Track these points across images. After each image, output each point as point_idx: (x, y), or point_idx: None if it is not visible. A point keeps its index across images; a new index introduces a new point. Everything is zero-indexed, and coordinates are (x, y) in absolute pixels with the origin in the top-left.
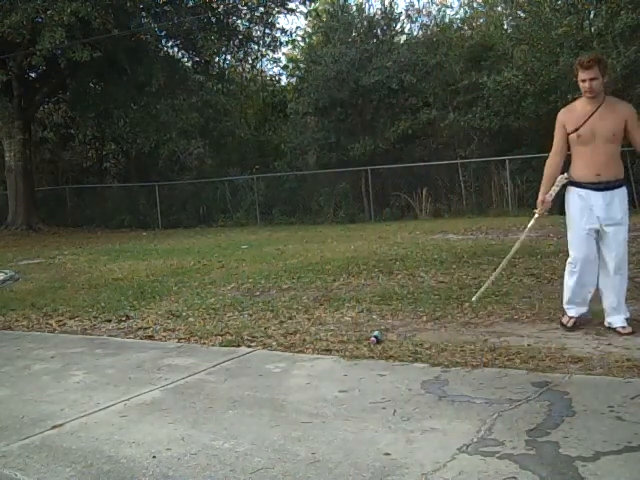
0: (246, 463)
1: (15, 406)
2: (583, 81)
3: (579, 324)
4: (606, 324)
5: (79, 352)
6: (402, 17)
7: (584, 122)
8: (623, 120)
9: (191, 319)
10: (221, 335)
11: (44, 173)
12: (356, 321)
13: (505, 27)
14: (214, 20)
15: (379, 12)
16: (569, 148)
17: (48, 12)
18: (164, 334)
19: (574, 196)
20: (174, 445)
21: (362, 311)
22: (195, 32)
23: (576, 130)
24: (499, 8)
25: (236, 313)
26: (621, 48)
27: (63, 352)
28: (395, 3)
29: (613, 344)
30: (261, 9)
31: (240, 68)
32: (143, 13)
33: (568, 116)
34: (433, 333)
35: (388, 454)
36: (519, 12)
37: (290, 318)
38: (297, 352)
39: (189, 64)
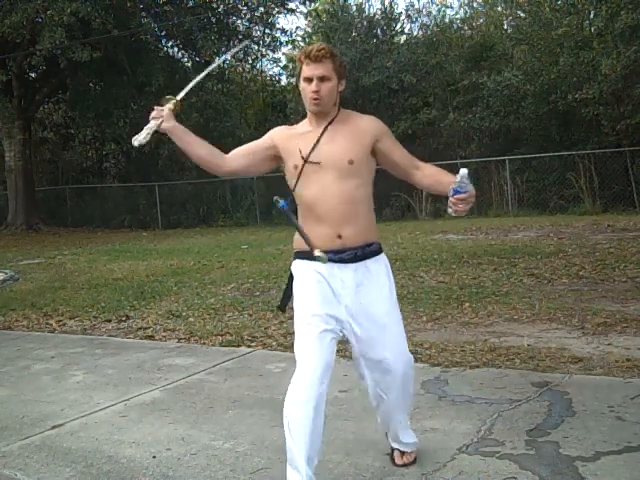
0: (246, 463)
1: (15, 406)
2: (308, 80)
3: None
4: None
5: (79, 352)
6: (402, 17)
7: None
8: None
9: (191, 319)
10: (221, 335)
11: (44, 173)
12: None
13: (505, 27)
14: (214, 20)
15: (379, 12)
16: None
17: (48, 12)
18: (164, 334)
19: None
20: (174, 445)
21: None
22: (195, 32)
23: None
24: (499, 8)
25: (236, 313)
26: (621, 48)
27: (63, 352)
28: (395, 3)
29: (613, 344)
30: (261, 9)
31: (240, 68)
32: (143, 13)
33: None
34: (433, 333)
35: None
36: (519, 12)
37: (290, 318)
38: None
39: (189, 64)
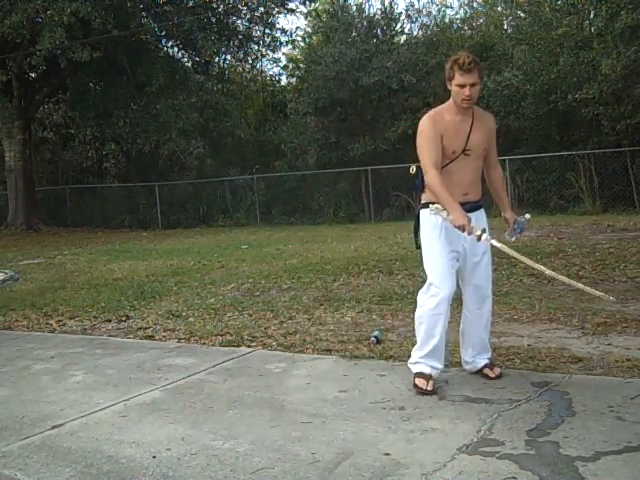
0: (246, 463)
1: (15, 406)
2: (461, 86)
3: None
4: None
5: (79, 352)
6: (402, 17)
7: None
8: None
9: (191, 319)
10: (221, 335)
11: (44, 173)
12: (356, 321)
13: (505, 27)
14: (214, 20)
15: (379, 12)
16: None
17: (48, 12)
18: (164, 334)
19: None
20: (174, 445)
21: (362, 311)
22: (195, 32)
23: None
24: (499, 8)
25: (236, 313)
26: (621, 48)
27: (63, 352)
28: (395, 3)
29: (613, 344)
30: (261, 9)
31: (240, 68)
32: (143, 13)
33: (442, 126)
34: None
35: (388, 454)
36: (519, 12)
37: (290, 318)
38: (297, 352)
39: (189, 64)
